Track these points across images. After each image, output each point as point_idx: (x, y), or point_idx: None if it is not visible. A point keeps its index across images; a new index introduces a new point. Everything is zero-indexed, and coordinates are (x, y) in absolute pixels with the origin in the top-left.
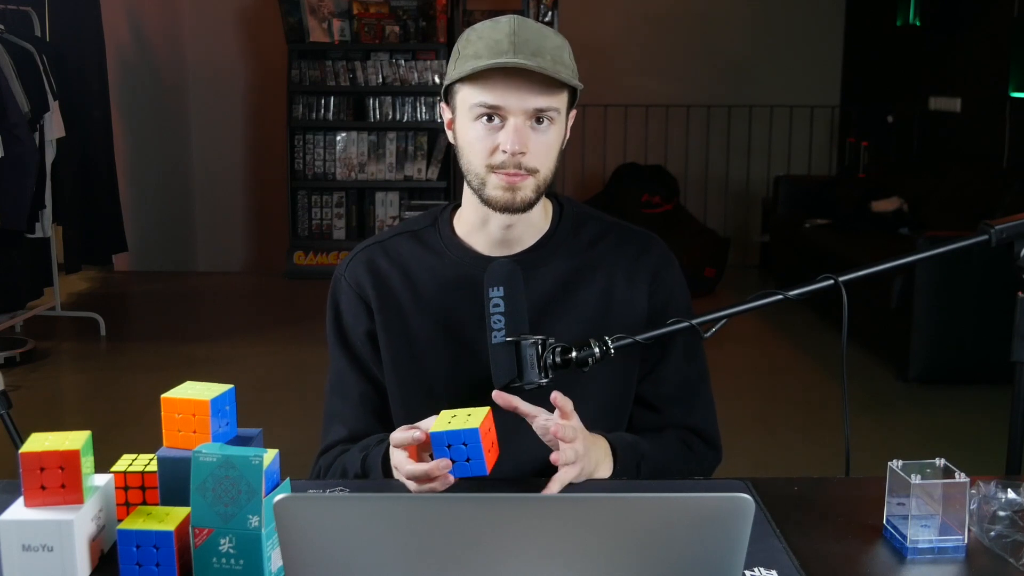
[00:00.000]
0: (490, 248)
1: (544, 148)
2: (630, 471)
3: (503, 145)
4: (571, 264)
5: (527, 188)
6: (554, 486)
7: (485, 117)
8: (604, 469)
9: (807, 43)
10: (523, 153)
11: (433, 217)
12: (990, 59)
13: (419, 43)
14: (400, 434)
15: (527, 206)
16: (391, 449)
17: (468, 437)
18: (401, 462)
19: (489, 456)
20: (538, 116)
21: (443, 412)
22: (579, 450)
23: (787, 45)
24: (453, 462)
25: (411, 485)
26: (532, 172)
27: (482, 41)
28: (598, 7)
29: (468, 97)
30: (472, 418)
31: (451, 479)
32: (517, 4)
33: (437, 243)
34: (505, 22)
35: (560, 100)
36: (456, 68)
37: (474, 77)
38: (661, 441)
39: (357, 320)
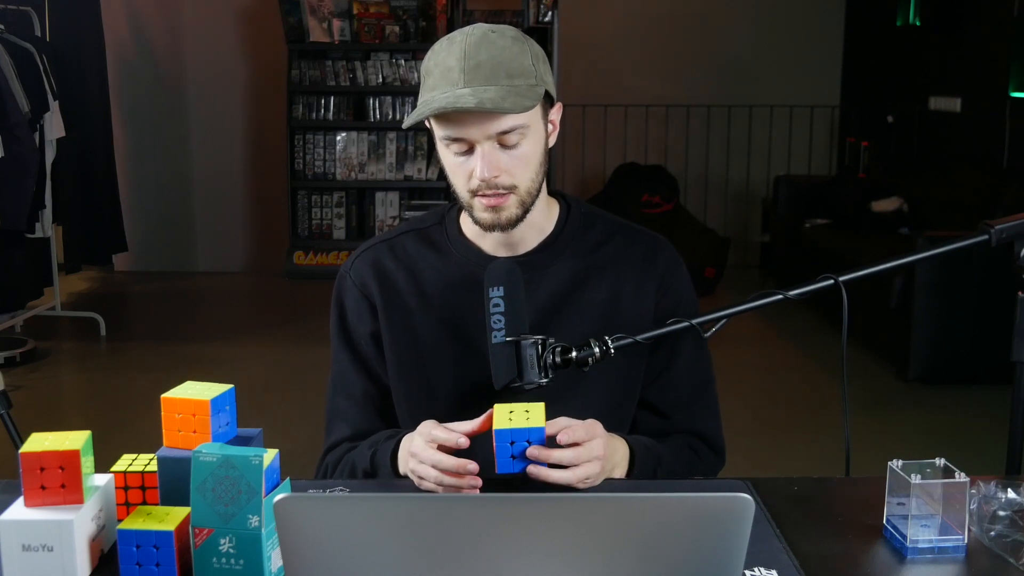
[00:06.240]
0: (495, 248)
1: (519, 163)
2: (647, 475)
3: (475, 172)
4: (579, 265)
5: (511, 206)
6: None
7: (454, 147)
8: (619, 471)
9: (807, 43)
10: (496, 176)
11: (440, 215)
12: (990, 59)
13: (419, 43)
14: (438, 431)
15: (514, 222)
16: (415, 437)
17: (534, 435)
18: (423, 449)
19: None
20: (505, 138)
21: (497, 406)
22: (592, 471)
23: (787, 45)
24: (514, 458)
25: (432, 473)
26: (511, 189)
27: (438, 69)
28: (598, 7)
29: (436, 128)
30: (532, 415)
31: (479, 483)
32: (517, 4)
33: (444, 242)
34: (459, 41)
35: (526, 114)
36: (420, 99)
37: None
38: (672, 445)
39: (361, 320)
